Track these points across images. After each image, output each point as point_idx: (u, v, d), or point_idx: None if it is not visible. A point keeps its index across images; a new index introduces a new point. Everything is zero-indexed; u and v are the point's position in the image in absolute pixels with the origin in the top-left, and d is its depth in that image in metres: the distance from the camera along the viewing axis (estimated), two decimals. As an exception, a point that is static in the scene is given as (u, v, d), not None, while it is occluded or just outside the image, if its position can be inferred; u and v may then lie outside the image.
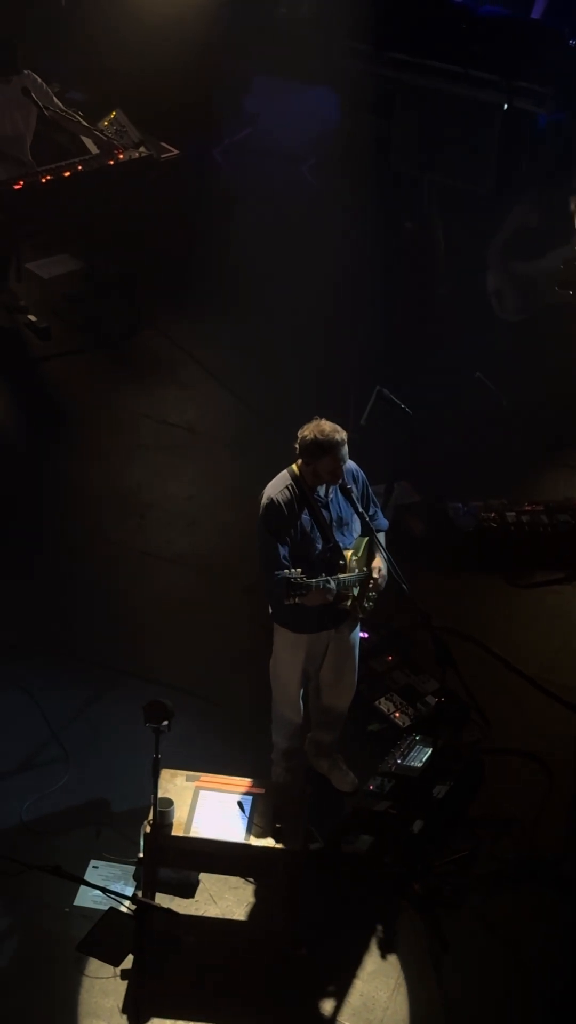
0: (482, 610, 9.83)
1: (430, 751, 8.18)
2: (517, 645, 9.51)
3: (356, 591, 7.67)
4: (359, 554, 7.68)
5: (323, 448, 7.34)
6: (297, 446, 7.42)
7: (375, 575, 7.73)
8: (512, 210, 11.47)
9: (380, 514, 7.94)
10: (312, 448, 7.36)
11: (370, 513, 7.78)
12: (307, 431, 7.38)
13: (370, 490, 7.84)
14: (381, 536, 7.85)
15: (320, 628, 7.80)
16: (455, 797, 8.07)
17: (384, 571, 7.75)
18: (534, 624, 9.78)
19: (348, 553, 7.63)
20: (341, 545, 7.62)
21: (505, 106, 11.82)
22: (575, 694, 9.11)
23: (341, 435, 7.37)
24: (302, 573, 7.29)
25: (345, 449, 7.39)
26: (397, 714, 8.73)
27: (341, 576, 7.54)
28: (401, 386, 9.58)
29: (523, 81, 11.74)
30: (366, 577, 7.70)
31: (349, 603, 7.66)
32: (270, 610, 7.82)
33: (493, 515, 10.28)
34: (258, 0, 13.55)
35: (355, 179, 12.82)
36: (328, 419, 7.44)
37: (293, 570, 7.28)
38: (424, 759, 8.15)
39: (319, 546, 7.56)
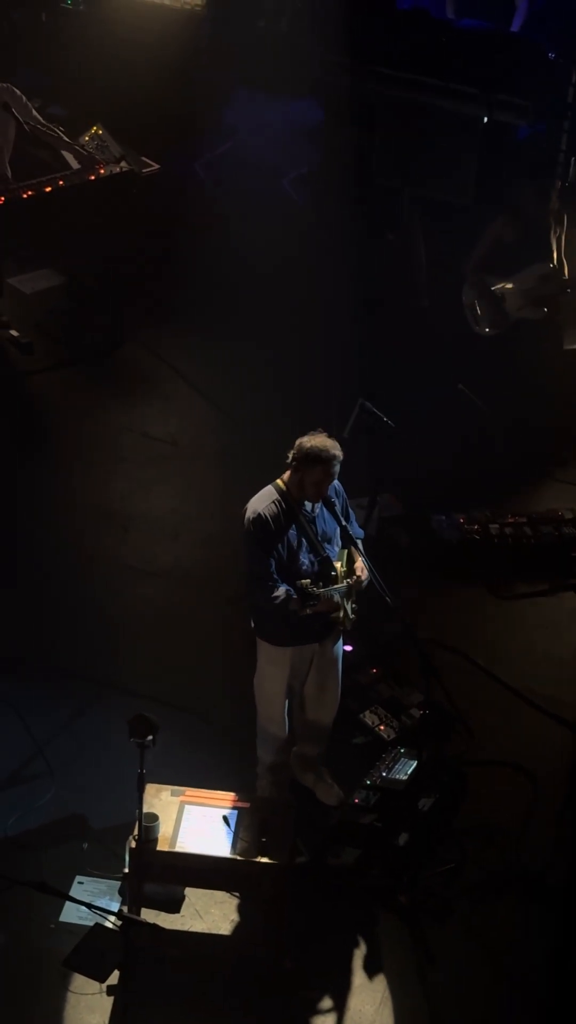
0: (466, 622, 9.84)
1: (415, 763, 8.18)
2: (501, 656, 9.52)
3: (345, 602, 7.68)
4: (344, 566, 7.69)
5: (319, 459, 7.36)
6: (292, 453, 7.43)
7: (358, 572, 7.73)
8: (487, 225, 11.49)
9: (355, 523, 7.97)
10: (309, 455, 7.37)
11: (346, 523, 7.80)
12: (307, 440, 7.41)
13: (349, 504, 7.88)
14: (359, 544, 7.88)
15: (303, 641, 7.81)
16: (440, 809, 8.07)
17: (364, 573, 7.75)
18: (517, 635, 9.79)
19: (337, 564, 7.65)
20: (329, 558, 7.64)
21: (485, 119, 11.85)
22: (559, 705, 9.13)
23: (339, 452, 7.41)
24: (311, 584, 7.31)
25: (337, 467, 7.42)
26: (382, 727, 8.73)
27: (334, 587, 7.55)
28: (383, 398, 9.60)
29: (503, 94, 11.77)
30: (350, 586, 7.72)
31: (341, 614, 7.67)
32: (252, 624, 7.82)
33: (476, 527, 10.30)
34: (238, 14, 13.56)
35: (336, 192, 12.85)
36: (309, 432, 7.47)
37: (303, 581, 7.31)
38: (409, 772, 8.15)
39: (305, 560, 7.57)
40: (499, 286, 11.41)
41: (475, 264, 11.55)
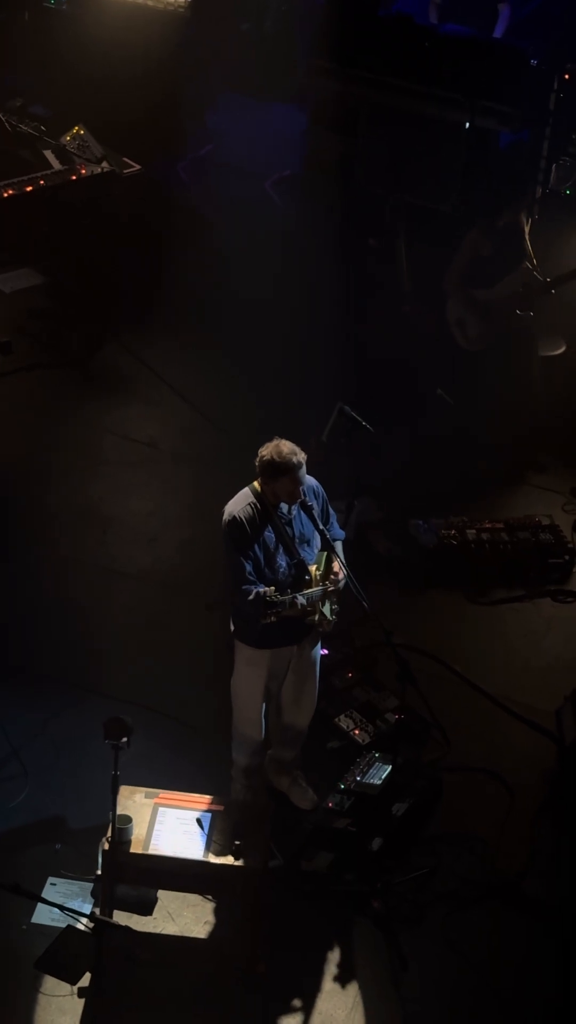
0: (443, 627, 9.85)
1: (390, 768, 8.18)
2: (477, 662, 9.52)
3: (322, 605, 7.66)
4: (321, 568, 7.68)
5: (280, 469, 7.34)
6: (256, 465, 7.42)
7: (335, 573, 7.71)
8: (464, 240, 11.49)
9: (336, 525, 7.95)
10: (270, 469, 7.37)
11: (327, 524, 7.79)
12: (265, 451, 7.39)
13: (329, 505, 7.85)
14: (339, 546, 7.88)
15: (282, 644, 7.79)
16: (415, 815, 8.07)
17: (342, 574, 7.73)
18: (494, 641, 9.80)
19: (312, 568, 7.63)
20: (304, 560, 7.62)
21: (468, 125, 11.86)
22: (535, 711, 9.13)
23: (299, 457, 7.37)
24: (275, 591, 7.29)
25: (303, 471, 7.39)
26: (357, 731, 8.72)
27: (308, 591, 7.54)
28: (362, 402, 9.59)
29: (486, 100, 11.79)
30: (327, 590, 7.70)
31: (317, 617, 7.66)
32: (232, 627, 7.81)
33: (454, 532, 10.30)
34: (222, 16, 13.57)
35: (319, 195, 12.85)
36: (288, 438, 7.45)
37: (266, 588, 7.29)
38: (384, 776, 8.15)
39: (283, 562, 7.56)
40: (484, 298, 11.40)
41: (455, 279, 11.54)
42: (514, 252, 11.19)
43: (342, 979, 7.44)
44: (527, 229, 11.23)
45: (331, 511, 7.89)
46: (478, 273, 11.40)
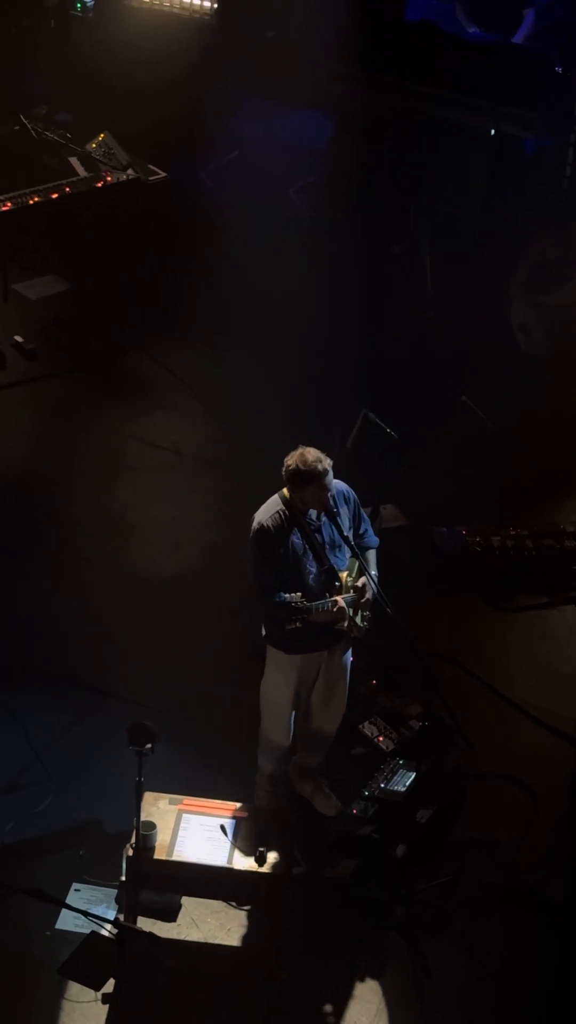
0: (466, 634, 9.83)
1: (414, 775, 8.17)
2: (501, 669, 9.50)
3: (352, 611, 7.66)
4: (353, 574, 7.68)
5: (306, 478, 7.34)
6: (283, 472, 7.42)
7: (360, 587, 7.72)
8: (529, 244, 11.49)
9: (371, 531, 7.94)
10: (296, 477, 7.37)
11: (360, 531, 7.79)
12: (291, 460, 7.39)
13: (361, 510, 7.84)
14: (371, 554, 7.87)
15: (313, 649, 7.78)
16: (438, 821, 8.06)
17: (371, 586, 7.73)
18: (518, 648, 9.78)
19: (343, 575, 7.63)
20: (335, 567, 7.62)
21: (492, 131, 11.87)
22: (558, 718, 9.11)
23: (324, 464, 7.37)
24: (302, 597, 7.30)
25: (329, 477, 7.38)
26: (381, 738, 8.71)
27: (329, 599, 7.52)
28: (386, 409, 9.59)
29: (510, 106, 11.80)
30: (360, 596, 7.70)
31: (347, 623, 7.65)
32: (263, 632, 7.81)
33: (478, 539, 10.29)
34: (247, 23, 13.59)
35: (343, 202, 12.86)
36: (312, 444, 7.44)
37: (293, 594, 7.30)
38: (408, 783, 8.14)
39: (312, 569, 7.55)
40: (548, 302, 11.38)
41: (521, 284, 11.54)
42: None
43: (365, 987, 7.43)
44: None
45: (364, 516, 7.88)
46: (541, 278, 11.39)
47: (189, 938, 7.56)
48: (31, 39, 13.88)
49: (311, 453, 7.37)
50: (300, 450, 7.41)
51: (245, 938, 7.58)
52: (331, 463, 7.40)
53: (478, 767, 8.74)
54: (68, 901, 7.46)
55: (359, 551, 7.69)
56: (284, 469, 7.41)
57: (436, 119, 12.18)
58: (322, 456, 7.38)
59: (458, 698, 9.03)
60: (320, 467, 7.34)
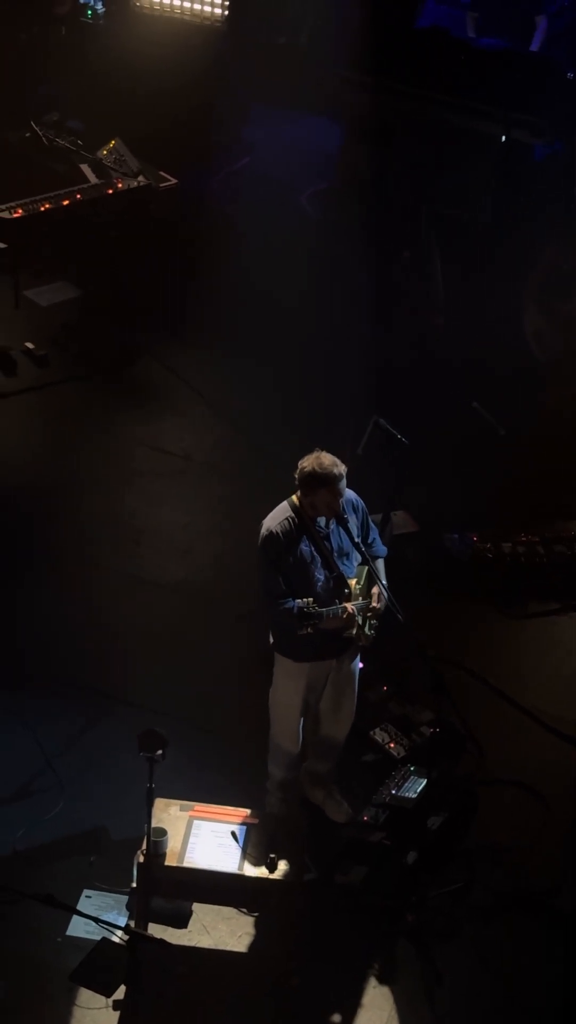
0: (477, 640, 9.82)
1: (425, 782, 8.15)
2: (512, 675, 9.50)
3: (360, 619, 7.66)
4: (362, 582, 7.68)
5: (321, 481, 7.34)
6: (296, 477, 7.42)
7: (374, 602, 7.72)
8: (544, 252, 11.49)
9: (379, 541, 7.95)
10: (310, 480, 7.37)
11: (368, 540, 7.79)
12: (306, 463, 7.39)
13: (369, 519, 7.84)
14: (380, 563, 7.87)
15: (322, 657, 7.79)
16: (449, 828, 8.04)
17: (383, 596, 7.73)
18: (529, 654, 9.78)
19: (352, 582, 7.63)
20: (344, 574, 7.62)
21: (503, 137, 11.87)
22: (569, 725, 9.11)
23: (340, 469, 7.38)
24: (313, 602, 7.30)
25: (343, 483, 7.39)
26: (392, 744, 8.71)
27: (339, 605, 7.53)
28: (397, 416, 9.59)
29: (521, 112, 11.80)
30: (369, 604, 7.70)
31: (355, 631, 7.66)
32: (270, 639, 7.81)
33: (489, 545, 10.28)
34: (258, 30, 13.60)
35: (354, 208, 12.86)
36: (326, 451, 7.45)
37: (304, 600, 7.30)
38: (419, 790, 8.12)
39: (320, 576, 7.55)
40: (563, 310, 11.39)
41: (535, 292, 11.54)
42: None
43: (376, 993, 7.43)
44: None
45: (372, 526, 7.88)
46: (555, 286, 11.40)
47: (200, 944, 7.56)
48: (42, 46, 13.90)
49: (327, 457, 7.38)
50: (316, 453, 7.42)
51: (255, 944, 7.58)
52: (346, 469, 7.40)
53: (489, 774, 8.73)
54: (79, 907, 7.46)
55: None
56: (298, 471, 7.41)
57: (446, 125, 12.18)
58: (338, 461, 7.39)
59: (468, 704, 9.02)
60: (336, 471, 7.34)
